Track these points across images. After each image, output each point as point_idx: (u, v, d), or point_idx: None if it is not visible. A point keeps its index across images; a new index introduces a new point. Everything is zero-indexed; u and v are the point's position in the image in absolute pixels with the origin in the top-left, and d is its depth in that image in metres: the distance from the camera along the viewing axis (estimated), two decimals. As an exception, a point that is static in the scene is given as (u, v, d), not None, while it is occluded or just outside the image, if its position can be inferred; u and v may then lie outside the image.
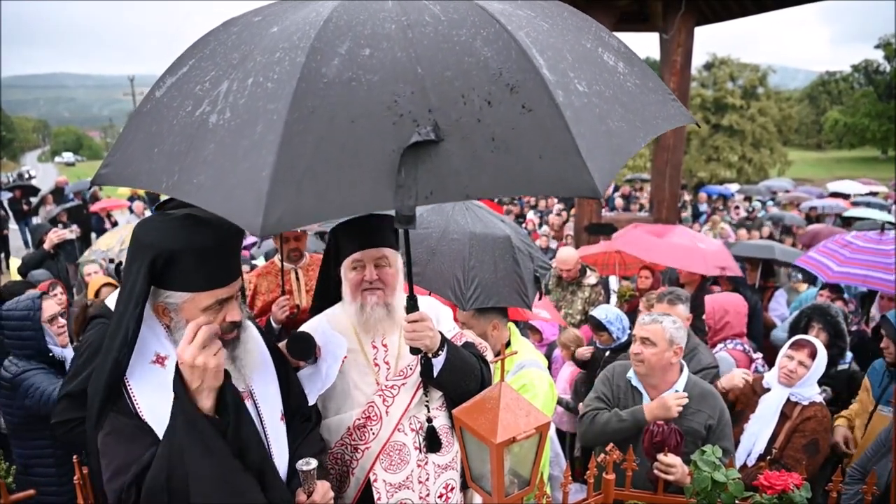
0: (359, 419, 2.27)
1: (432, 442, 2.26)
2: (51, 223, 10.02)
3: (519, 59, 1.40)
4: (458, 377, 2.23)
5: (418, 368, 2.22)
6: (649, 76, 1.76)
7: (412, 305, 2.04)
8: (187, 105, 1.51)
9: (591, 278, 5.98)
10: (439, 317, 2.44)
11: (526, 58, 1.40)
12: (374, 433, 2.25)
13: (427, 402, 2.29)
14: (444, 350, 2.16)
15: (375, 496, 2.24)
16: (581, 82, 1.47)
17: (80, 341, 2.33)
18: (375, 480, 2.24)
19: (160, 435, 1.68)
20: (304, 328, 2.39)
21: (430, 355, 2.13)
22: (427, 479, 2.28)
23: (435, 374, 2.17)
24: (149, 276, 1.68)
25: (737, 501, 2.08)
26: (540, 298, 3.49)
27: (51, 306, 3.49)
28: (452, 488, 2.35)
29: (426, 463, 2.28)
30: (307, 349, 2.19)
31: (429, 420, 2.27)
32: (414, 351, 2.11)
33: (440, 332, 2.17)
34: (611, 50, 1.69)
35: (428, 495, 2.28)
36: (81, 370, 2.22)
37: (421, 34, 1.41)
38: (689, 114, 1.83)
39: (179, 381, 1.61)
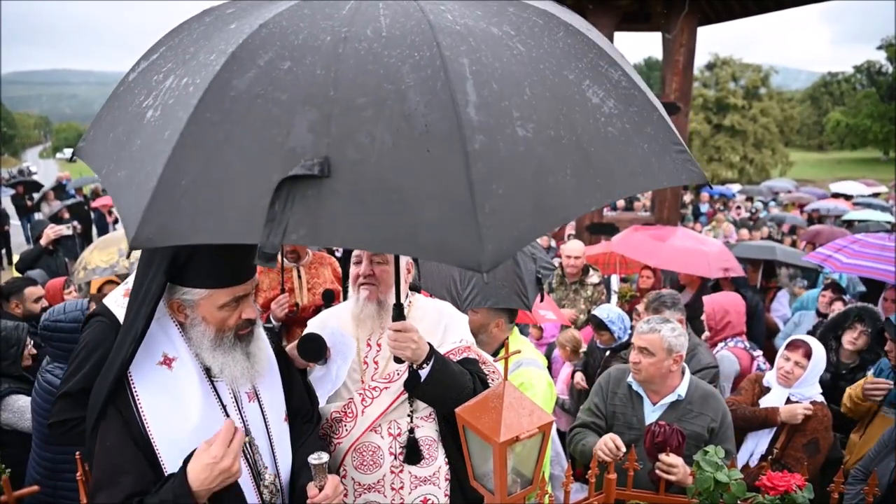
0: (336, 413, 2.28)
1: (411, 452, 2.23)
2: (52, 220, 10.02)
3: (442, 92, 1.23)
4: (441, 393, 2.15)
5: (405, 376, 2.17)
6: (650, 120, 1.52)
7: (398, 314, 2.03)
8: (142, 94, 1.46)
9: (594, 277, 5.96)
10: (448, 325, 2.40)
11: (449, 92, 1.22)
12: (346, 430, 2.25)
13: (412, 411, 2.25)
14: (430, 364, 2.10)
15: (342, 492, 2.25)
16: (526, 125, 1.28)
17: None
18: (345, 476, 2.24)
19: (156, 441, 1.68)
20: (311, 325, 2.39)
21: (414, 366, 2.10)
22: (401, 488, 2.25)
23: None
24: (167, 274, 1.68)
25: (739, 502, 2.08)
26: (542, 300, 3.47)
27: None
28: (435, 503, 2.29)
29: (401, 471, 2.25)
30: (318, 351, 2.19)
31: (410, 430, 2.24)
32: (397, 359, 2.10)
33: (429, 345, 2.12)
34: (602, 84, 1.47)
35: (403, 486, 2.26)
36: (79, 369, 2.20)
37: (352, 51, 1.29)
38: (695, 170, 1.57)
39: (183, 474, 1.61)
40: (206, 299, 1.74)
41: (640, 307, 4.93)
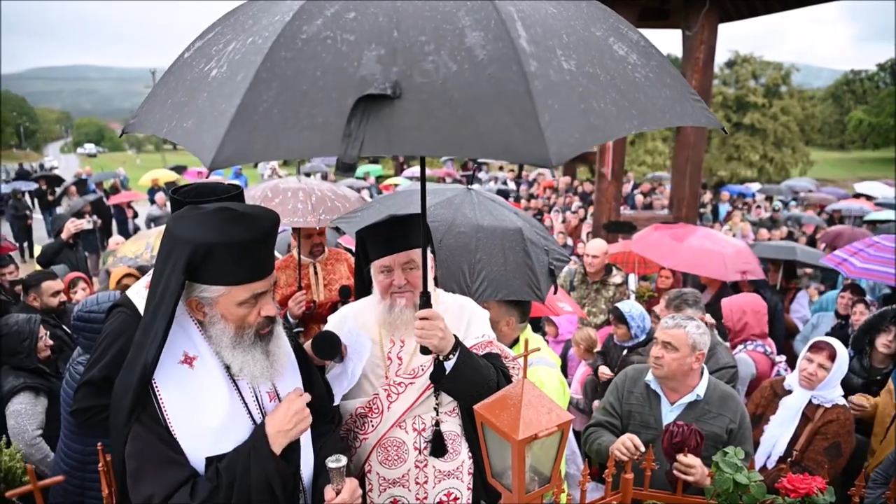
0: (361, 409, 2.30)
1: (436, 446, 2.24)
2: (76, 216, 10.15)
3: (497, 28, 1.41)
4: (466, 386, 2.16)
5: (430, 370, 2.18)
6: (668, 73, 1.72)
7: (425, 302, 2.04)
8: (202, 63, 1.59)
9: (617, 277, 5.86)
10: (471, 320, 2.39)
11: (504, 27, 1.40)
12: (372, 426, 2.27)
13: (437, 405, 2.26)
14: (456, 355, 2.11)
15: (367, 487, 2.27)
16: (569, 61, 1.46)
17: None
18: (370, 471, 2.27)
19: (181, 439, 1.71)
20: (329, 323, 2.40)
21: (440, 358, 2.10)
22: (426, 482, 2.26)
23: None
24: (185, 271, 1.67)
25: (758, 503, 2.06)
26: (555, 292, 3.43)
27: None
28: (456, 498, 2.30)
29: (425, 465, 2.26)
30: (332, 349, 2.19)
31: (436, 424, 2.25)
32: (424, 351, 2.09)
33: (455, 336, 2.13)
34: (625, 41, 1.67)
35: (426, 498, 2.27)
36: (101, 358, 2.25)
37: (409, 2, 1.46)
38: (712, 117, 1.78)
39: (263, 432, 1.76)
40: (225, 296, 1.73)
41: (659, 307, 4.89)
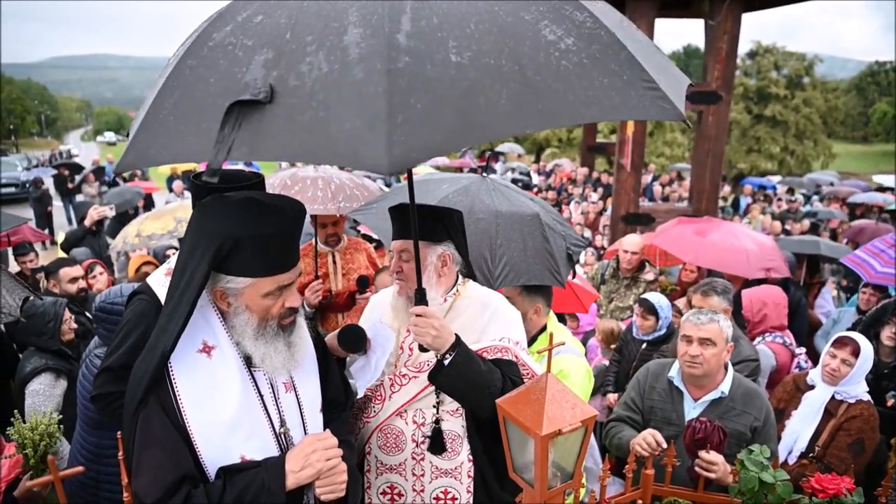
0: (368, 391, 2.33)
1: (434, 443, 2.23)
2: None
3: (377, 22, 1.36)
4: (463, 387, 2.11)
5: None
6: (615, 58, 1.51)
7: (420, 298, 2.02)
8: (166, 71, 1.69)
9: (650, 274, 5.77)
10: (491, 320, 2.31)
11: (384, 22, 1.36)
12: (374, 411, 2.30)
13: (438, 402, 2.24)
14: (452, 355, 2.05)
15: (366, 467, 2.30)
16: (463, 53, 1.37)
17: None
18: (369, 453, 2.31)
19: (192, 429, 1.69)
20: (364, 314, 2.42)
21: (437, 356, 2.07)
22: (422, 475, 2.27)
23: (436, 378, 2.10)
24: (212, 262, 1.66)
25: (784, 503, 2.02)
26: (573, 276, 3.40)
27: None
28: (454, 498, 2.27)
29: (422, 458, 2.25)
30: (357, 341, 2.19)
31: (436, 421, 2.23)
32: (421, 348, 2.08)
33: (456, 336, 2.08)
34: (563, 24, 1.52)
35: (422, 491, 2.27)
36: (121, 344, 2.26)
37: (314, 1, 1.46)
38: (670, 108, 1.50)
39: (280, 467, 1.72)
40: (251, 288, 1.72)
41: (682, 302, 4.81)
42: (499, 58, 1.39)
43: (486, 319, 2.30)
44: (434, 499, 2.27)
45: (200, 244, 1.67)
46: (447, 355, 2.04)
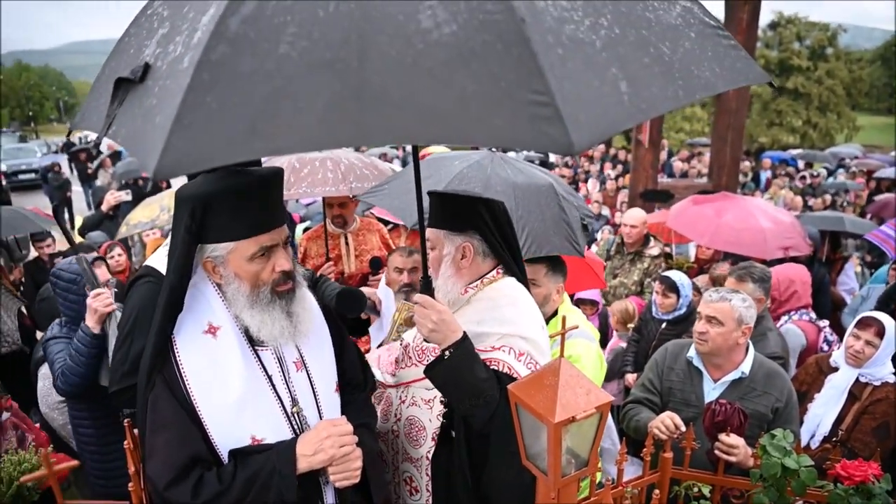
0: (374, 356, 2.44)
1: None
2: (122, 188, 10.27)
3: (227, 2, 1.19)
4: (450, 389, 1.98)
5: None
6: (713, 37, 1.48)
7: (424, 286, 1.97)
8: None
9: (654, 249, 5.66)
10: (487, 321, 2.11)
11: (230, 2, 1.17)
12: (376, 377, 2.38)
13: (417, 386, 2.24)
14: (450, 352, 1.91)
15: None
16: (297, 44, 1.12)
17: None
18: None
19: (202, 411, 1.69)
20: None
21: (437, 350, 1.99)
22: (396, 454, 2.31)
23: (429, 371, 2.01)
24: (190, 228, 1.66)
25: (808, 490, 1.95)
26: (589, 247, 3.35)
27: (103, 273, 3.48)
28: (416, 489, 2.23)
29: (397, 436, 2.28)
30: (356, 304, 2.21)
31: (403, 401, 2.27)
32: (425, 339, 2.04)
33: (464, 334, 1.94)
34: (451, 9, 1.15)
35: (396, 468, 2.30)
36: (132, 331, 2.21)
37: None
38: (756, 68, 1.54)
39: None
40: (234, 253, 1.71)
41: (706, 278, 4.70)
42: (338, 51, 1.08)
43: (482, 320, 2.12)
44: (403, 481, 2.28)
45: (178, 215, 1.69)
46: (446, 352, 1.94)
